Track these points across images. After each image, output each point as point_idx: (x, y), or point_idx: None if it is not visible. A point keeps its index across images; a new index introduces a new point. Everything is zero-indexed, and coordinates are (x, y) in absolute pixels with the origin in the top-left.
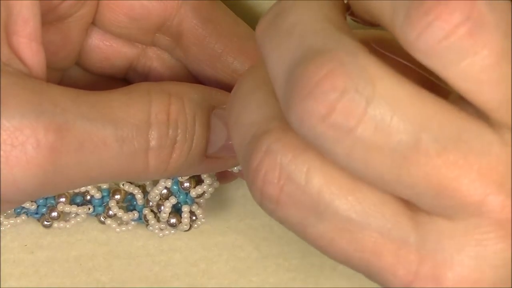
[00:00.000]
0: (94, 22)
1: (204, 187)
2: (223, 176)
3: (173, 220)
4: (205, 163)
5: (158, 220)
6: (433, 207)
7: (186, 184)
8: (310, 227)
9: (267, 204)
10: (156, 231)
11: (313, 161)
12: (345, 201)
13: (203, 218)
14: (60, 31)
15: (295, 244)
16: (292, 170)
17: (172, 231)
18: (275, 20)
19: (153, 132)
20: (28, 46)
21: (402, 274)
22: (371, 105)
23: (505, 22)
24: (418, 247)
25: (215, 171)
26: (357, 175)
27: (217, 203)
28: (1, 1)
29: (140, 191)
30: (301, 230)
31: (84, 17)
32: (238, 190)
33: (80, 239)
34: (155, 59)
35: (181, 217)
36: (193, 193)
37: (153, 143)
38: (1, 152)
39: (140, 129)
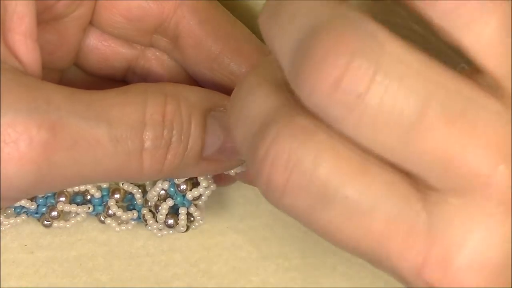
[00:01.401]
0: (92, 23)
1: (201, 190)
2: (220, 179)
3: (170, 221)
4: (201, 165)
5: (157, 220)
6: (442, 181)
7: (183, 187)
8: (317, 214)
9: (273, 192)
10: (155, 231)
11: (321, 146)
12: (354, 185)
13: (201, 220)
14: (57, 30)
15: (295, 244)
16: (300, 155)
17: (171, 231)
18: (279, 4)
19: (148, 133)
20: (24, 43)
21: (412, 258)
22: (381, 70)
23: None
24: (427, 230)
25: (212, 173)
26: (365, 146)
27: (217, 203)
28: None
29: (139, 190)
30: (307, 217)
31: (81, 17)
32: (238, 190)
33: (80, 239)
34: (154, 60)
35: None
36: (189, 195)
37: (147, 143)
38: None
39: (135, 129)
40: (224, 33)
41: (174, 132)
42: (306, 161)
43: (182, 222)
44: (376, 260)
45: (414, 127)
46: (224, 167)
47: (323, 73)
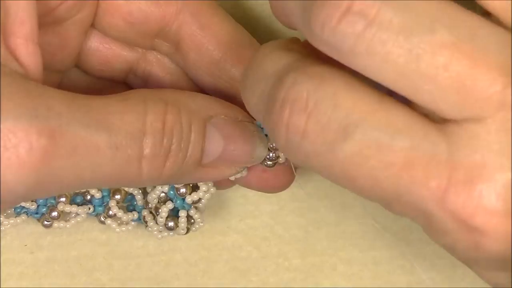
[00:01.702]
0: (93, 25)
1: (200, 193)
2: (220, 182)
3: (171, 224)
4: (200, 172)
5: (157, 222)
6: (456, 108)
7: (182, 190)
8: (338, 152)
9: (293, 138)
10: (155, 232)
11: (339, 84)
12: (374, 119)
13: (201, 222)
14: (58, 33)
15: (295, 244)
16: (319, 95)
17: (171, 234)
18: None
19: (147, 140)
20: (25, 47)
21: (435, 185)
22: None
23: None
24: (448, 158)
25: (211, 180)
26: (379, 77)
27: (217, 203)
28: None
29: (140, 191)
30: (328, 159)
31: (83, 20)
32: (238, 191)
33: (80, 239)
34: (155, 63)
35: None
36: (188, 199)
37: (147, 151)
38: None
39: (135, 137)
40: (226, 39)
41: (174, 140)
42: (325, 100)
43: (182, 225)
44: (394, 197)
45: (423, 48)
46: (224, 174)
47: (331, 9)
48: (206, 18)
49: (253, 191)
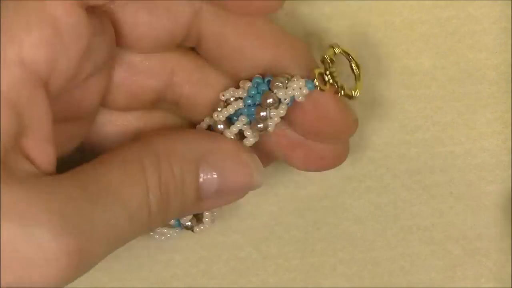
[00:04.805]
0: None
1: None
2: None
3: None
4: (202, 204)
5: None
6: None
7: (188, 224)
8: None
9: None
10: (157, 236)
11: None
12: None
13: (208, 224)
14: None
15: (295, 244)
16: None
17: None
18: None
19: (151, 198)
20: (40, 148)
21: None
22: None
23: None
24: None
25: (215, 207)
26: None
27: None
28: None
29: None
30: None
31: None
32: None
33: None
34: (186, 83)
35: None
36: (196, 230)
37: (153, 208)
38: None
39: (143, 203)
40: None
41: (171, 190)
42: None
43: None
44: None
45: None
46: (228, 202)
47: None
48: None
49: (253, 191)
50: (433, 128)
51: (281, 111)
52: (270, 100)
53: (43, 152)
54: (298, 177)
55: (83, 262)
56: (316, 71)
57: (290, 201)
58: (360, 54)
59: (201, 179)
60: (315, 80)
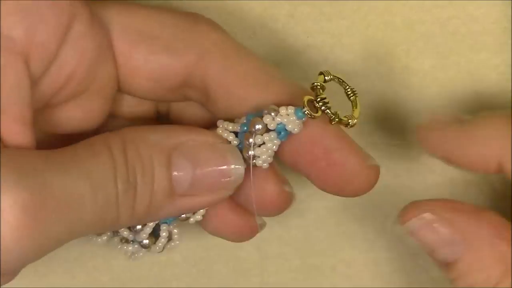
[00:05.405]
0: (120, 89)
1: (162, 240)
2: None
3: (145, 242)
4: (178, 203)
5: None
6: None
7: (145, 242)
8: None
9: None
10: (128, 253)
11: None
12: None
13: (178, 240)
14: (80, 106)
15: (295, 244)
16: None
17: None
18: None
19: (118, 178)
20: (13, 127)
21: None
22: None
23: None
24: None
25: (195, 210)
26: None
27: None
28: None
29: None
30: None
31: (103, 89)
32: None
33: (81, 239)
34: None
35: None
36: (154, 249)
37: (120, 187)
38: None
39: (109, 176)
40: (251, 76)
41: (138, 176)
42: None
43: (160, 244)
44: None
45: None
46: (207, 202)
47: None
48: (230, 61)
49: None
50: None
51: (273, 146)
52: (258, 126)
53: (14, 132)
54: (298, 177)
55: (39, 224)
56: (305, 98)
57: None
58: (360, 54)
59: (174, 172)
60: (305, 107)
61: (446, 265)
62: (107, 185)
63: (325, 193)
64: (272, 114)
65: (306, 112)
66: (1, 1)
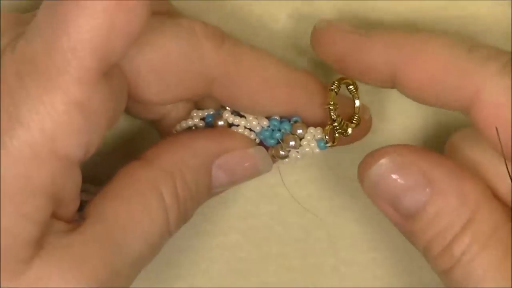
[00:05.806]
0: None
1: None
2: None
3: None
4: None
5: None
6: None
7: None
8: None
9: None
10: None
11: None
12: None
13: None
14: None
15: (295, 244)
16: None
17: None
18: None
19: (171, 223)
20: (68, 208)
21: None
22: None
23: None
24: None
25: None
26: None
27: (217, 203)
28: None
29: None
30: None
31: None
32: (238, 190)
33: None
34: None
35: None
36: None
37: (172, 227)
38: None
39: (163, 230)
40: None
41: (188, 203)
42: None
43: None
44: None
45: None
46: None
47: None
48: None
49: (253, 191)
50: (433, 128)
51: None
52: (292, 143)
53: (70, 210)
54: (298, 177)
55: None
56: (327, 129)
57: (290, 201)
58: None
59: (213, 183)
60: (326, 138)
61: (412, 217)
62: (163, 236)
63: (325, 193)
64: (299, 131)
65: (328, 145)
66: None
